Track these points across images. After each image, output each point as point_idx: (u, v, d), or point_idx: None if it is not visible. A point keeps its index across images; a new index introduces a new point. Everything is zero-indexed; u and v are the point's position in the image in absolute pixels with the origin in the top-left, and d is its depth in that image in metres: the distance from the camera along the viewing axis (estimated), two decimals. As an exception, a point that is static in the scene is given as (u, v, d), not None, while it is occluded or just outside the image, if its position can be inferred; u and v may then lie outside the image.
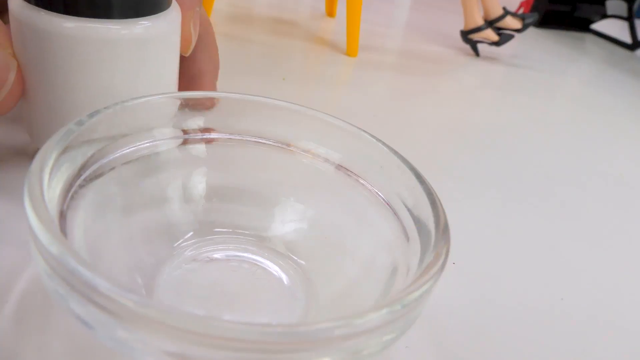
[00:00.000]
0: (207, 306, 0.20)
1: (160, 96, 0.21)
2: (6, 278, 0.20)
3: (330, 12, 0.81)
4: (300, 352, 0.13)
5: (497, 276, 0.28)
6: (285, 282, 0.22)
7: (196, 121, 0.23)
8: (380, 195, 0.22)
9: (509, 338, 0.23)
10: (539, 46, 0.95)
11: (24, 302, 0.19)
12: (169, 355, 0.13)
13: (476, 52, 0.76)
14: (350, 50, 0.63)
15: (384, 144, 0.22)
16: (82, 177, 0.18)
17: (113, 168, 0.20)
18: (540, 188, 0.40)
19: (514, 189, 0.39)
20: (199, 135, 0.23)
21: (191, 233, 0.22)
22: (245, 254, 0.22)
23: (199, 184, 0.23)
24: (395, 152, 0.22)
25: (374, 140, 0.23)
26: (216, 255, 0.22)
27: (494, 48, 0.79)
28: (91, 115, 0.19)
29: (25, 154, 0.27)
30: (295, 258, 0.22)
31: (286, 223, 0.23)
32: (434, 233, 0.18)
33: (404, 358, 0.21)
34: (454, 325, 0.23)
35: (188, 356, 0.13)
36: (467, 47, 0.78)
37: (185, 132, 0.23)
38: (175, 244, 0.21)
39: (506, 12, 0.73)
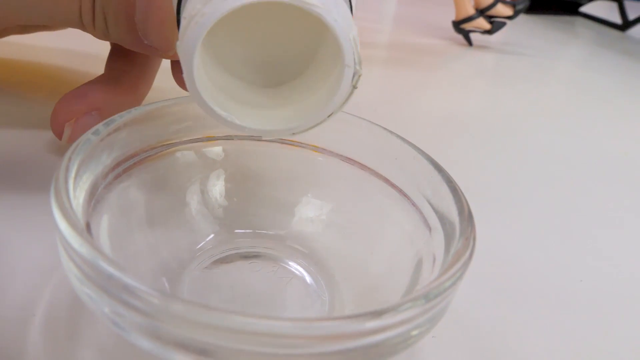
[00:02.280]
0: (232, 307, 0.20)
1: (174, 101, 0.21)
2: (31, 291, 0.20)
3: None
4: (328, 346, 0.13)
5: (514, 261, 0.28)
6: (308, 281, 0.22)
7: (210, 123, 0.22)
8: (397, 187, 0.22)
9: (531, 322, 0.24)
10: (529, 32, 0.95)
11: (52, 314, 0.19)
12: (205, 354, 0.13)
13: (469, 42, 0.76)
14: (344, 46, 0.62)
15: (397, 135, 0.22)
16: (103, 186, 0.18)
17: (132, 174, 0.20)
18: (547, 171, 0.40)
19: (521, 174, 0.39)
20: (215, 138, 0.23)
21: (212, 235, 0.22)
22: (266, 254, 0.22)
23: (217, 186, 0.23)
24: (410, 143, 0.22)
25: (387, 132, 0.23)
26: (238, 257, 0.22)
27: (485, 36, 0.79)
28: (107, 124, 0.19)
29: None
30: (316, 255, 0.22)
31: (305, 221, 0.23)
32: (459, 220, 0.18)
33: (431, 347, 0.21)
34: (477, 312, 0.23)
35: (223, 355, 0.13)
36: (458, 37, 0.78)
37: (201, 134, 0.23)
38: (197, 247, 0.21)
39: (497, 0, 0.73)
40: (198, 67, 0.16)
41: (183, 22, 0.16)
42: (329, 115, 0.18)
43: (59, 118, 0.26)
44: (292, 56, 0.20)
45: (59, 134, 0.27)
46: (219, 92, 0.18)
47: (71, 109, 0.27)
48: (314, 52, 0.19)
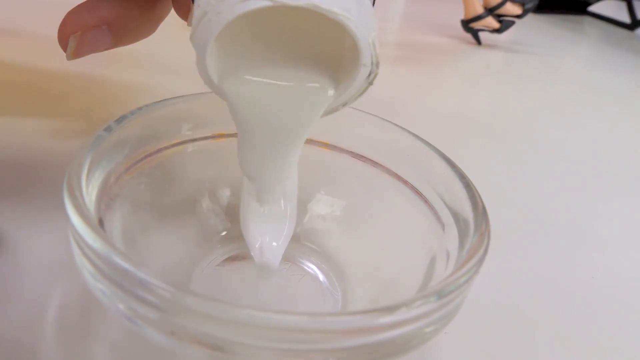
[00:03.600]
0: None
1: (184, 98, 0.21)
2: (42, 288, 0.20)
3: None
4: (341, 341, 0.13)
5: (525, 258, 0.28)
6: (320, 278, 0.21)
7: (221, 121, 0.22)
8: (409, 184, 0.22)
9: (543, 320, 0.23)
10: (538, 31, 0.95)
11: (64, 310, 0.19)
12: (220, 349, 0.13)
13: (478, 41, 0.76)
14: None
15: (408, 132, 0.22)
16: (115, 183, 0.18)
17: (144, 172, 0.20)
18: (556, 169, 0.40)
19: (529, 172, 0.39)
20: (225, 135, 0.23)
21: (224, 232, 0.22)
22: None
23: (229, 183, 0.23)
24: (421, 139, 0.22)
25: (398, 128, 0.22)
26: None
27: (494, 35, 0.79)
28: (119, 121, 0.19)
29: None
30: (329, 253, 0.22)
31: (316, 218, 0.23)
32: (473, 216, 0.18)
33: (444, 344, 0.21)
34: (489, 310, 0.23)
35: (238, 350, 0.13)
36: (467, 36, 0.78)
37: (211, 131, 0.22)
38: (209, 244, 0.21)
39: (505, -1, 0.73)
40: (210, 55, 0.16)
41: (196, 12, 0.15)
42: (343, 105, 0.18)
43: (66, 29, 0.24)
44: (314, 46, 0.19)
45: (64, 46, 0.24)
46: (232, 71, 0.18)
47: (80, 20, 0.24)
48: (338, 39, 0.19)
